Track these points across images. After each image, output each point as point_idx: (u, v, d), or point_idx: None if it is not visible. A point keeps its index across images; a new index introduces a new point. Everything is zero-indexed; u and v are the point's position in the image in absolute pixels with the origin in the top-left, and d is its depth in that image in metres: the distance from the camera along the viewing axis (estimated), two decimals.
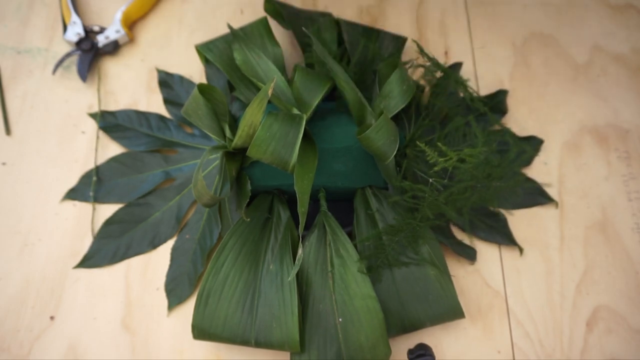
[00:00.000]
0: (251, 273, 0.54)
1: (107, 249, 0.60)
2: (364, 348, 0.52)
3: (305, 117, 0.52)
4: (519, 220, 0.63)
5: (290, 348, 0.52)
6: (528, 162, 0.66)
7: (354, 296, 0.53)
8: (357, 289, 0.53)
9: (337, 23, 0.69)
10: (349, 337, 0.52)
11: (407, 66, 0.65)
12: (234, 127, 0.56)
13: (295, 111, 0.55)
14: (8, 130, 0.66)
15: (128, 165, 0.64)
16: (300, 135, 0.51)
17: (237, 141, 0.53)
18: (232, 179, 0.57)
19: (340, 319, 0.53)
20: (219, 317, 0.53)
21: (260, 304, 0.53)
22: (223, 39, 0.65)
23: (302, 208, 0.51)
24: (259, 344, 0.52)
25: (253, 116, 0.51)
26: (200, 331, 0.53)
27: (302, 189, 0.51)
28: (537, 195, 0.64)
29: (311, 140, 0.57)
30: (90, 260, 0.60)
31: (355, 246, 0.55)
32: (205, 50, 0.64)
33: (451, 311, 0.55)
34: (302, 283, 0.54)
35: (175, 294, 0.58)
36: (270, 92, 0.49)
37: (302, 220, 0.51)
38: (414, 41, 0.66)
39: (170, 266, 0.60)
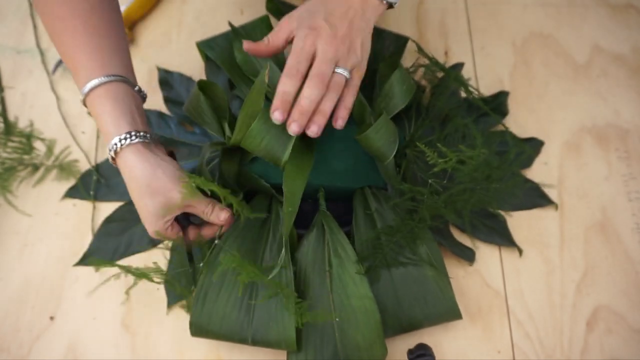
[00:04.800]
0: None
1: (107, 247, 0.60)
2: (361, 348, 0.52)
3: None
4: (519, 221, 0.63)
5: (287, 347, 0.52)
6: (528, 163, 0.66)
7: (352, 296, 0.53)
8: (354, 288, 0.53)
9: None
10: (345, 336, 0.52)
11: (409, 67, 0.65)
12: (233, 124, 0.56)
13: None
14: (8, 131, 0.66)
15: None
16: None
17: (237, 135, 0.52)
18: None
19: (337, 319, 0.53)
20: (216, 314, 0.52)
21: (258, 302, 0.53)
22: (224, 36, 0.65)
23: (290, 207, 0.50)
24: (256, 342, 0.52)
25: (252, 106, 0.51)
26: (198, 328, 0.53)
27: (292, 187, 0.51)
28: (536, 198, 0.63)
29: (310, 140, 0.57)
30: (89, 258, 0.60)
31: (353, 246, 0.55)
32: (206, 48, 0.64)
33: (448, 312, 0.55)
34: (300, 282, 0.54)
35: (175, 292, 0.58)
36: (266, 79, 0.49)
37: (287, 221, 0.50)
38: (413, 41, 0.66)
39: (170, 264, 0.60)
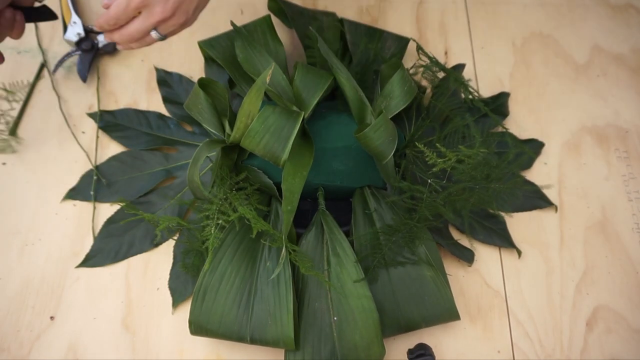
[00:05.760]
0: (248, 270, 0.54)
1: (109, 247, 0.60)
2: (358, 347, 0.52)
3: (302, 114, 0.52)
4: (518, 220, 0.63)
5: (284, 345, 0.52)
6: (528, 165, 0.66)
7: (350, 295, 0.53)
8: (352, 288, 0.53)
9: (341, 22, 0.69)
10: (343, 336, 0.52)
11: (411, 68, 0.65)
12: (233, 122, 0.57)
13: (295, 108, 0.55)
14: (12, 130, 0.66)
15: (128, 164, 0.64)
16: (295, 131, 0.50)
17: (236, 133, 0.52)
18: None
19: (335, 318, 0.53)
20: (215, 313, 0.53)
21: (256, 300, 0.53)
22: (226, 35, 0.65)
23: (289, 206, 0.50)
24: (254, 341, 0.52)
25: (251, 105, 0.51)
26: (198, 327, 0.53)
27: (290, 186, 0.51)
28: (536, 199, 0.63)
29: (309, 139, 0.57)
30: (92, 260, 0.60)
31: (352, 245, 0.55)
32: (208, 47, 0.64)
33: (447, 313, 0.55)
34: (299, 281, 0.54)
35: (179, 291, 0.58)
36: (268, 79, 0.49)
37: (286, 219, 0.50)
38: (414, 41, 0.66)
39: (174, 264, 0.60)
